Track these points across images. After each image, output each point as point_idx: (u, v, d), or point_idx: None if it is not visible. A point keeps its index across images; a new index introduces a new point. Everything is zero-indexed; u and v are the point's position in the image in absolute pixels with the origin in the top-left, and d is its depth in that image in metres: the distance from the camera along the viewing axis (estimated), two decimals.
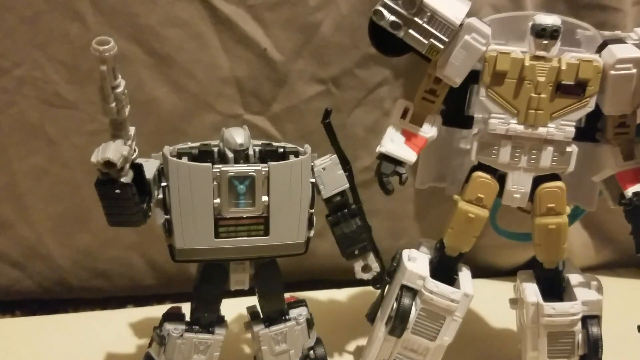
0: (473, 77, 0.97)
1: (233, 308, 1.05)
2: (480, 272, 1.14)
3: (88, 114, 1.18)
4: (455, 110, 1.02)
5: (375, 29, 0.95)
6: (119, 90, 0.76)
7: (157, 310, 1.01)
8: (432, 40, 0.92)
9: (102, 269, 1.31)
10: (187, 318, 0.98)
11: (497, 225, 1.19)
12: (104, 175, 0.78)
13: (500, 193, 1.00)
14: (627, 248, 1.47)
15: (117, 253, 1.30)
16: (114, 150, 0.77)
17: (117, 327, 1.22)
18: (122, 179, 0.80)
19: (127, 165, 0.80)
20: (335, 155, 0.97)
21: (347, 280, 1.32)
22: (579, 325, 1.01)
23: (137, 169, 0.83)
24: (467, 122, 1.03)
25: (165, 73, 1.18)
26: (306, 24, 1.18)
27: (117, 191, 0.79)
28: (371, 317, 1.08)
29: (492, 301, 1.20)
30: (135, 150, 0.83)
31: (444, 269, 1.04)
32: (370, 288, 1.08)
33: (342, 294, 1.36)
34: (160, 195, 0.89)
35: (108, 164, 0.77)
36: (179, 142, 0.95)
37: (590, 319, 1.01)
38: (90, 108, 1.18)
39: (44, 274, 1.30)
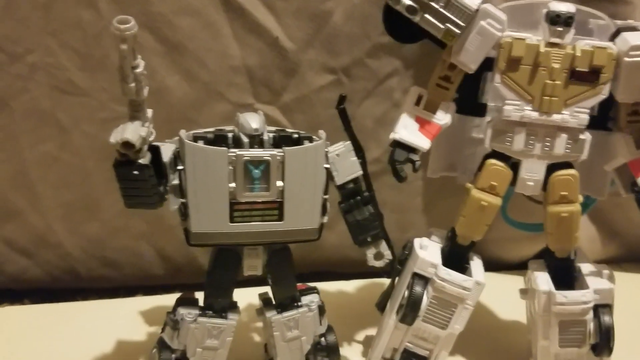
0: (487, 65, 0.97)
1: (245, 297, 1.05)
2: (489, 265, 1.14)
3: (100, 102, 1.19)
4: (469, 98, 1.02)
5: (390, 14, 0.95)
6: (139, 70, 0.76)
7: (166, 300, 1.01)
8: (448, 25, 0.92)
9: (111, 258, 1.31)
10: (201, 304, 0.98)
11: (508, 215, 1.19)
12: (122, 156, 0.78)
13: (513, 181, 1.00)
14: (633, 242, 1.49)
15: (127, 242, 1.30)
16: (132, 132, 0.77)
17: (126, 315, 1.22)
18: (140, 161, 0.80)
19: (145, 147, 0.80)
20: (349, 142, 0.97)
21: (356, 272, 1.33)
22: (591, 314, 1.01)
23: (155, 151, 0.83)
24: (480, 110, 1.03)
25: (177, 61, 1.18)
26: (317, 13, 1.19)
27: (135, 172, 0.79)
28: (381, 306, 1.08)
29: (500, 294, 1.20)
30: (152, 132, 0.83)
31: (456, 258, 1.04)
32: (378, 280, 1.08)
33: (350, 286, 1.36)
34: (176, 180, 0.89)
35: (126, 145, 0.77)
36: (190, 130, 0.94)
37: (602, 308, 1.01)
38: (102, 96, 1.18)
39: (53, 263, 1.30)
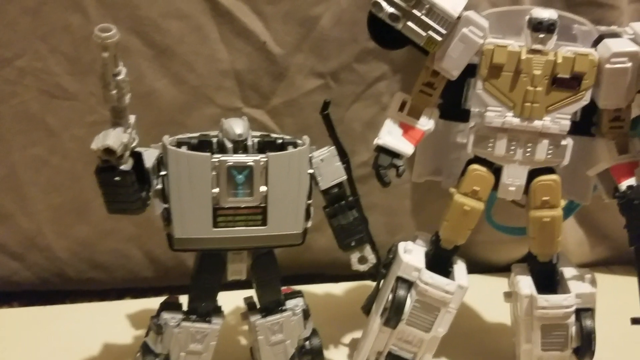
0: (470, 71, 0.98)
1: (230, 301, 1.06)
2: (476, 267, 1.15)
3: (89, 106, 1.19)
4: (452, 104, 1.03)
5: (374, 21, 0.96)
6: (120, 77, 0.77)
7: (155, 302, 1.01)
8: (430, 32, 0.93)
9: (100, 260, 1.32)
10: (184, 308, 0.98)
11: (493, 219, 1.19)
12: (104, 162, 0.79)
13: (496, 186, 1.01)
14: (621, 245, 1.47)
15: (116, 245, 1.31)
16: (114, 138, 0.78)
17: (115, 318, 1.22)
18: (122, 167, 0.80)
19: (127, 153, 0.81)
20: (333, 147, 0.98)
21: (344, 274, 1.33)
22: (573, 318, 1.01)
23: (137, 157, 0.84)
24: (464, 116, 1.03)
25: (166, 65, 1.19)
26: (306, 18, 1.19)
27: (117, 178, 0.79)
28: (367, 309, 1.09)
29: (486, 296, 1.21)
30: (135, 139, 0.83)
31: (440, 262, 1.04)
32: (366, 282, 1.08)
33: (338, 288, 1.36)
34: (159, 185, 0.89)
35: (108, 151, 0.77)
36: (178, 135, 0.95)
37: (584, 312, 1.02)
38: (91, 99, 1.18)
39: (42, 265, 1.30)
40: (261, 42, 1.20)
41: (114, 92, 0.76)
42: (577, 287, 1.03)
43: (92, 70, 1.16)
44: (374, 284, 1.08)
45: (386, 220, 1.37)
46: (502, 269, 1.40)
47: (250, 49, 1.20)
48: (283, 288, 1.03)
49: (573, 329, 1.02)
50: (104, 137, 0.78)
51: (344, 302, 1.33)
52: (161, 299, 1.02)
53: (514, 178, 0.99)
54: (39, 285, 1.31)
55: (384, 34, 0.98)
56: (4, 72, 1.15)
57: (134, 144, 0.83)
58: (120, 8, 1.14)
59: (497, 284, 1.21)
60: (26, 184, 1.24)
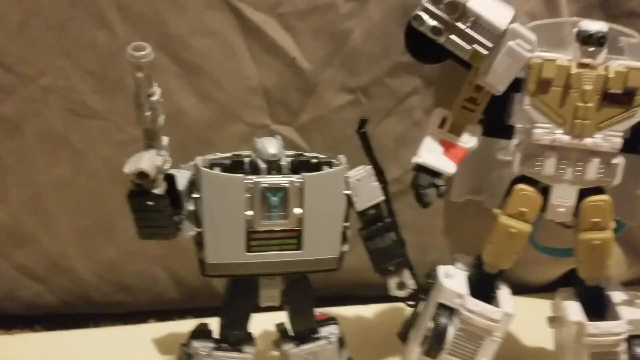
0: (515, 86, 0.94)
1: (260, 324, 1.01)
2: (512, 288, 1.10)
3: (115, 125, 1.16)
4: (495, 120, 0.99)
5: (412, 35, 0.92)
6: (154, 98, 0.74)
7: (180, 325, 0.99)
8: (475, 46, 0.89)
9: (125, 282, 1.29)
10: (215, 335, 0.95)
11: (535, 240, 1.15)
12: (137, 186, 0.76)
13: (543, 207, 0.97)
14: None
15: (142, 266, 1.28)
16: (147, 161, 0.75)
17: (140, 342, 1.19)
18: (155, 190, 0.77)
19: (161, 176, 0.78)
20: (369, 167, 0.95)
21: (374, 296, 1.29)
22: (624, 346, 0.97)
23: (170, 180, 0.81)
24: (507, 132, 1.00)
25: (193, 83, 1.16)
26: (336, 33, 1.16)
27: (150, 203, 0.77)
28: (403, 335, 1.05)
29: (525, 319, 1.15)
30: (168, 161, 0.80)
31: (482, 287, 1.00)
32: (398, 305, 1.05)
33: (369, 310, 1.32)
34: (191, 207, 0.86)
35: (141, 174, 0.74)
36: (206, 153, 0.92)
37: (636, 339, 0.98)
38: (117, 118, 1.16)
39: (66, 288, 1.27)
40: (290, 58, 1.17)
41: (148, 113, 0.74)
42: (628, 312, 0.99)
43: (119, 89, 1.14)
44: (406, 306, 1.04)
45: (418, 239, 1.33)
46: (538, 290, 1.37)
47: (279, 65, 1.17)
48: (316, 314, 0.99)
49: (624, 358, 0.98)
50: (137, 160, 0.75)
51: (376, 326, 1.29)
52: (186, 322, 1.00)
53: (563, 199, 0.95)
54: (63, 309, 1.29)
55: (423, 47, 0.94)
56: (27, 91, 1.13)
57: (167, 167, 0.80)
58: (147, 25, 1.11)
59: (533, 306, 1.18)
60: (50, 205, 1.21)
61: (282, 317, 0.98)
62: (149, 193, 0.77)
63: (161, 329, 1.24)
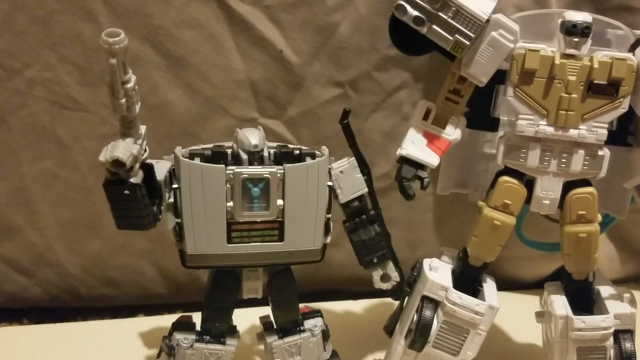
0: (499, 77, 0.93)
1: (245, 318, 1.02)
2: (502, 284, 1.10)
3: (100, 117, 1.16)
4: (480, 112, 0.98)
5: (397, 26, 0.91)
6: (129, 85, 0.73)
7: (168, 320, 0.99)
8: (457, 36, 0.88)
9: (112, 277, 1.28)
10: (198, 327, 0.95)
11: (523, 234, 1.14)
12: (113, 175, 0.76)
13: (528, 199, 0.96)
14: None
15: (128, 261, 1.27)
16: (123, 149, 0.74)
17: (127, 336, 1.19)
18: (132, 180, 0.77)
19: (137, 165, 0.77)
20: (353, 158, 0.94)
21: (363, 291, 1.29)
22: (611, 340, 0.96)
23: (148, 169, 0.80)
24: (492, 125, 0.99)
25: (179, 75, 1.16)
26: (323, 25, 1.15)
27: (126, 192, 0.76)
28: (389, 329, 1.04)
29: (514, 315, 1.16)
30: (145, 150, 0.80)
31: (467, 280, 0.99)
32: (387, 300, 1.04)
33: (358, 305, 1.32)
34: (171, 199, 0.86)
35: (117, 163, 0.74)
36: (192, 146, 0.91)
37: (623, 334, 0.97)
38: (102, 111, 1.16)
39: (52, 282, 1.27)
40: (277, 51, 1.16)
41: (123, 100, 0.73)
42: (616, 307, 0.98)
43: (104, 81, 1.10)
44: (395, 302, 1.03)
45: (407, 234, 1.33)
46: (529, 286, 1.37)
47: (266, 58, 1.17)
48: (301, 307, 0.99)
49: (612, 352, 0.97)
50: (112, 149, 0.74)
51: (364, 321, 1.28)
52: (174, 316, 0.99)
53: (548, 191, 0.94)
54: (50, 302, 1.29)
55: (407, 39, 0.93)
56: (13, 83, 1.13)
57: (144, 156, 0.79)
58: (132, 17, 1.11)
59: (524, 302, 1.19)
60: (36, 198, 1.21)
61: (268, 311, 0.98)
62: (125, 182, 0.76)
63: (149, 322, 1.24)
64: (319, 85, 1.20)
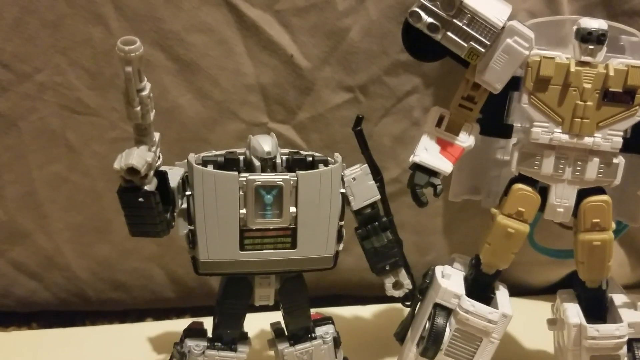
0: (513, 84, 0.93)
1: (255, 323, 1.01)
2: (513, 290, 1.09)
3: (110, 121, 1.16)
4: (493, 119, 0.98)
5: (409, 32, 0.91)
6: (144, 93, 0.73)
7: (177, 324, 0.99)
8: (472, 43, 0.88)
9: (121, 280, 1.28)
10: (209, 334, 0.95)
11: (535, 241, 1.13)
12: (127, 182, 0.75)
13: (541, 207, 0.95)
14: None
15: (137, 265, 1.27)
16: (137, 157, 0.74)
17: (136, 341, 1.19)
18: (146, 187, 0.76)
19: (151, 173, 0.77)
20: (365, 165, 0.93)
21: (373, 296, 1.28)
22: (625, 349, 0.96)
23: (161, 176, 0.80)
24: (505, 132, 0.98)
25: (190, 80, 1.15)
26: (334, 30, 1.15)
27: (140, 199, 0.75)
28: (400, 336, 1.04)
29: (525, 321, 1.15)
30: (159, 157, 0.79)
31: (480, 287, 0.99)
32: (397, 305, 1.03)
33: (367, 311, 1.31)
34: (184, 205, 0.86)
35: (131, 170, 0.73)
36: (202, 151, 0.92)
37: (637, 342, 0.97)
38: (112, 115, 1.15)
39: (61, 286, 1.27)
40: (288, 56, 1.16)
41: (138, 108, 0.72)
42: (630, 315, 0.97)
43: (114, 85, 1.13)
44: (403, 306, 1.02)
45: (416, 239, 1.32)
46: (538, 291, 1.36)
47: (276, 62, 1.16)
48: (312, 313, 0.98)
49: None
50: (127, 156, 0.73)
51: (374, 326, 1.28)
52: (183, 321, 1.00)
53: (562, 198, 0.93)
54: (58, 306, 1.28)
55: (420, 45, 0.93)
56: (23, 87, 1.13)
57: (158, 163, 0.79)
58: (143, 21, 1.11)
59: (534, 308, 1.17)
60: (45, 202, 1.21)
61: (279, 317, 0.97)
62: (139, 189, 0.75)
63: (158, 327, 1.23)
64: (329, 90, 1.19)
